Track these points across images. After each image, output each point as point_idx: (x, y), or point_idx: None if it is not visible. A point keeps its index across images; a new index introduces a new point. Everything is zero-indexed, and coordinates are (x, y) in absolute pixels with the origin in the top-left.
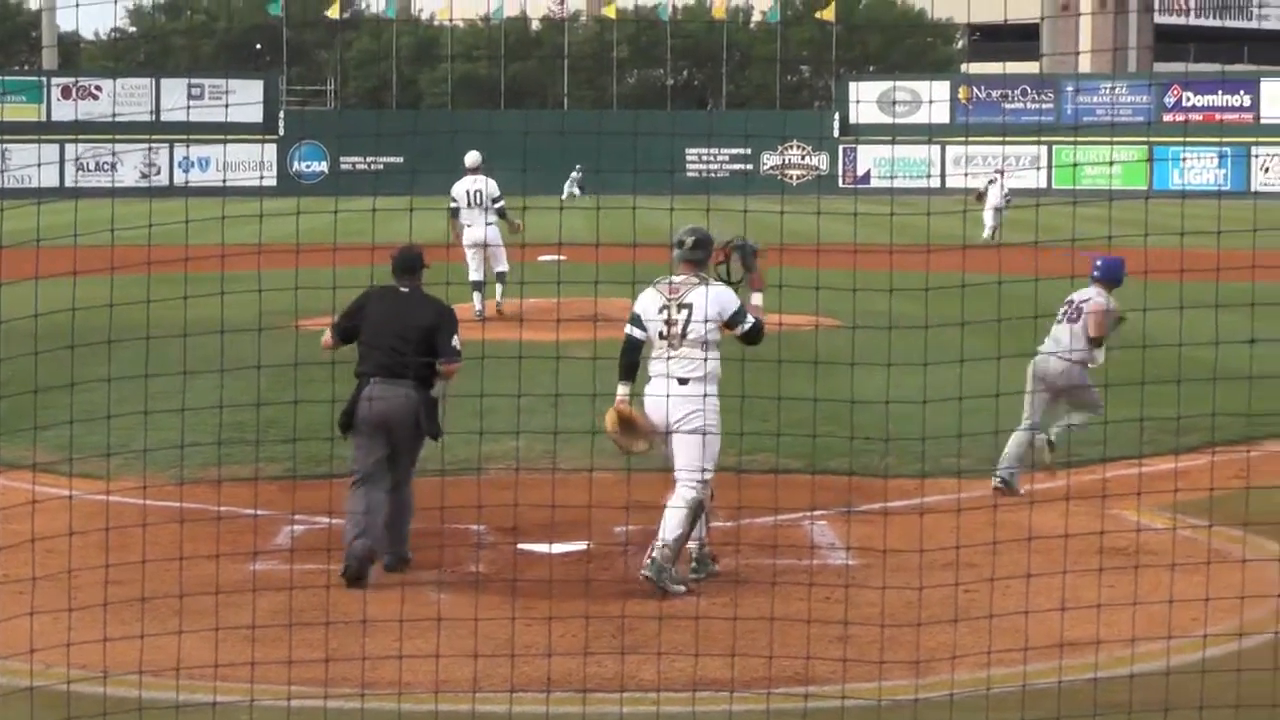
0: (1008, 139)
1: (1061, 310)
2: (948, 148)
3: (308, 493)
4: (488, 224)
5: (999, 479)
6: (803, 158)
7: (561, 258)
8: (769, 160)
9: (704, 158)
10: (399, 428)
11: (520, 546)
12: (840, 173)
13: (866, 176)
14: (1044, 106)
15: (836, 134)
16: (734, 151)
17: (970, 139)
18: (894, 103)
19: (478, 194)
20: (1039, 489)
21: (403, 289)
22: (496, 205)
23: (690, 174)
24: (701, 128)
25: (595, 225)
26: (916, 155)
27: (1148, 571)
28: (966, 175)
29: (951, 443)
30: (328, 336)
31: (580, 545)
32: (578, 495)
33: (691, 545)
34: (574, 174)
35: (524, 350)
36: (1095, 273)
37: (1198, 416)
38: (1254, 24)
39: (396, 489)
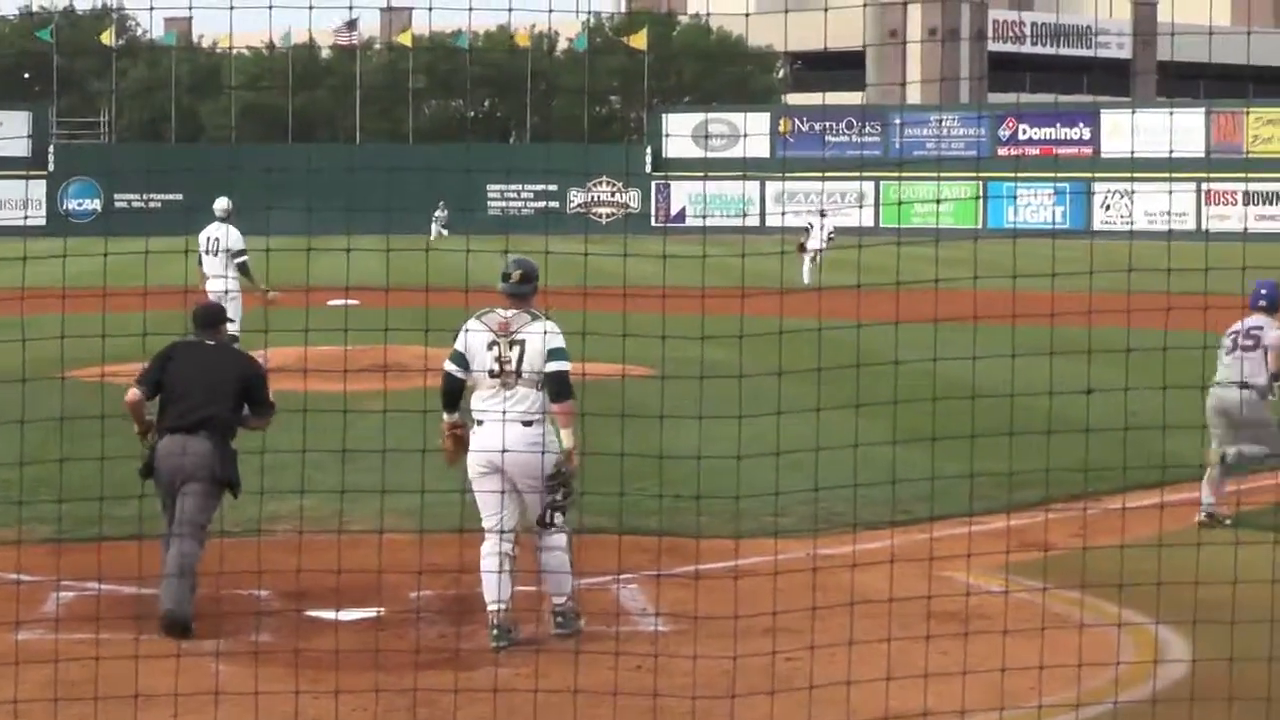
0: (828, 175)
1: (1228, 339)
2: (767, 184)
3: (76, 556)
4: (226, 275)
5: (1203, 513)
6: (612, 194)
7: (352, 302)
8: (576, 197)
9: (506, 194)
10: (196, 482)
11: (306, 613)
12: (653, 210)
13: (681, 215)
14: (869, 140)
15: (649, 169)
16: (538, 188)
17: (789, 175)
18: (709, 136)
19: (215, 242)
20: (862, 549)
21: (208, 342)
22: (237, 259)
23: (492, 211)
24: (503, 162)
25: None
26: (733, 192)
27: (979, 637)
28: (784, 214)
29: (769, 500)
30: (133, 392)
31: (370, 612)
32: (367, 558)
33: (557, 600)
34: (438, 212)
35: (309, 403)
36: (1262, 300)
37: (1031, 472)
38: (1093, 52)
39: (181, 539)
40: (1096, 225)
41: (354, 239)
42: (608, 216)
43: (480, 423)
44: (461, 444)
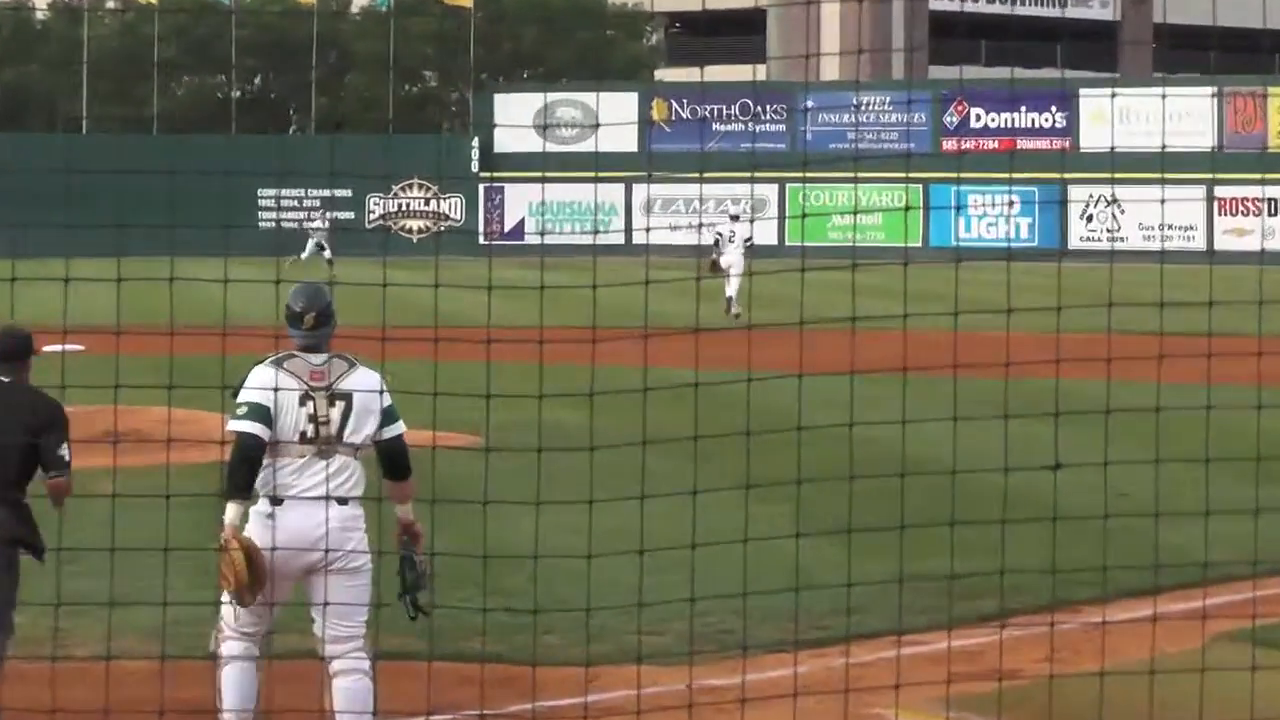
0: (716, 176)
1: None
2: (634, 188)
3: None
4: None
5: None
6: (426, 202)
7: (73, 347)
8: (377, 206)
9: (283, 202)
10: None
11: None
12: (480, 223)
13: (518, 229)
14: (770, 130)
15: (475, 168)
16: (325, 193)
17: (663, 176)
18: (556, 124)
19: None
20: (756, 679)
21: (1, 378)
22: None
23: (264, 224)
24: (279, 160)
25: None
26: (587, 198)
27: None
28: (649, 229)
29: (632, 614)
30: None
31: None
32: (93, 695)
33: None
34: (316, 224)
35: None
36: None
37: (982, 575)
38: (1068, 12)
39: None
40: (1074, 242)
41: (74, 264)
42: (419, 232)
43: (279, 502)
44: (255, 567)
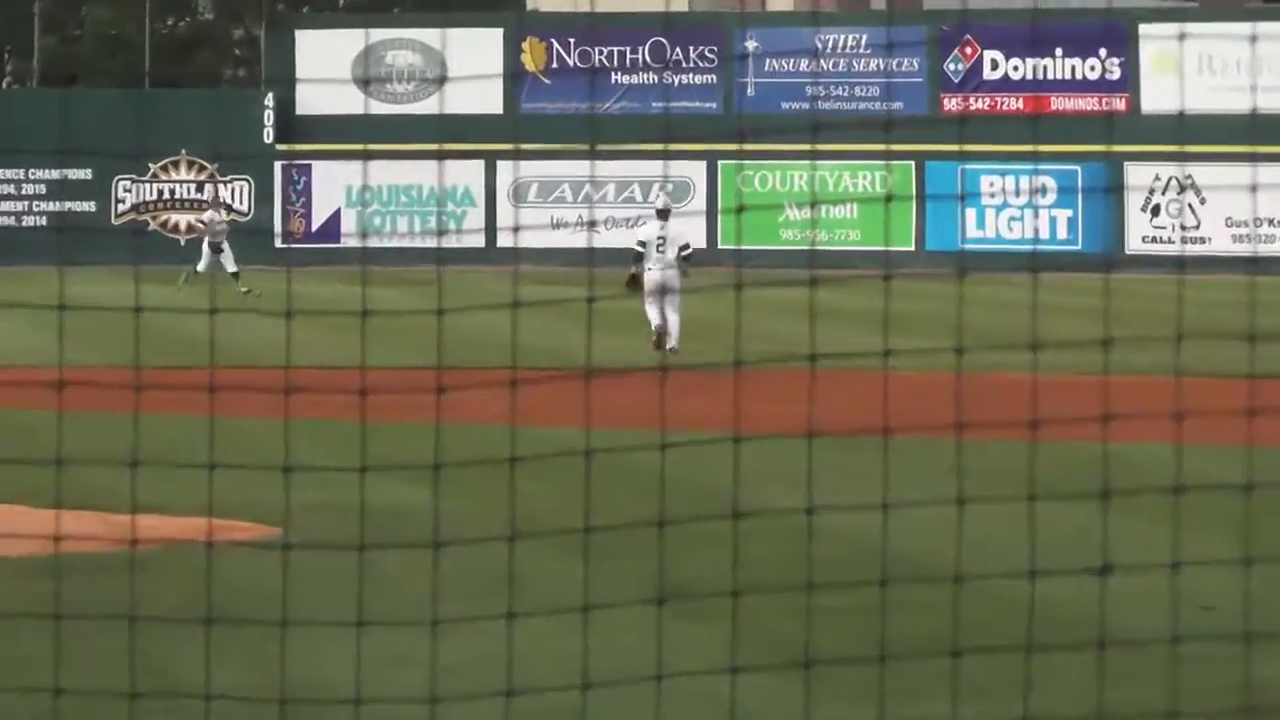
0: (611, 148)
1: None
2: (498, 166)
3: None
4: None
5: None
6: (198, 188)
7: None
8: (128, 194)
9: None
10: None
11: None
12: (279, 218)
13: (332, 226)
14: (695, 83)
15: (270, 138)
16: (52, 176)
17: (536, 147)
18: (384, 75)
19: None
20: None
21: None
22: None
23: None
24: None
25: None
26: (429, 180)
27: None
28: (518, 229)
29: None
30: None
31: None
32: None
33: None
34: (209, 216)
35: None
36: None
37: None
38: None
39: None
40: (1134, 245)
41: None
42: (189, 230)
43: None
44: None
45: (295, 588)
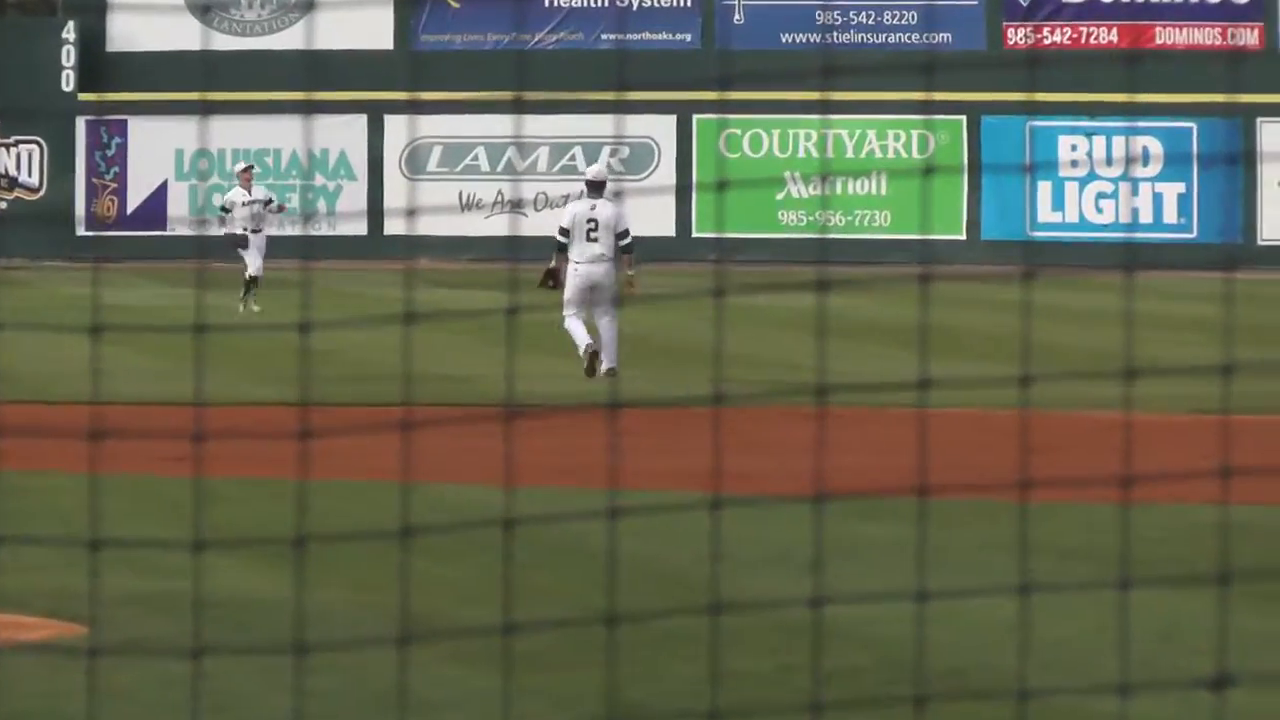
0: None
1: None
2: (387, 121)
3: None
4: None
5: None
6: None
7: None
8: None
9: None
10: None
11: None
12: (81, 194)
13: (155, 205)
14: (663, 7)
15: (70, 85)
16: None
17: (435, 101)
18: (223, 2)
19: None
20: None
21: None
22: None
23: None
24: None
25: None
26: (291, 144)
27: None
28: (413, 211)
29: None
30: None
31: None
32: None
33: None
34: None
35: None
36: None
37: None
38: None
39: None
40: (1270, 233)
41: None
42: None
43: None
44: None
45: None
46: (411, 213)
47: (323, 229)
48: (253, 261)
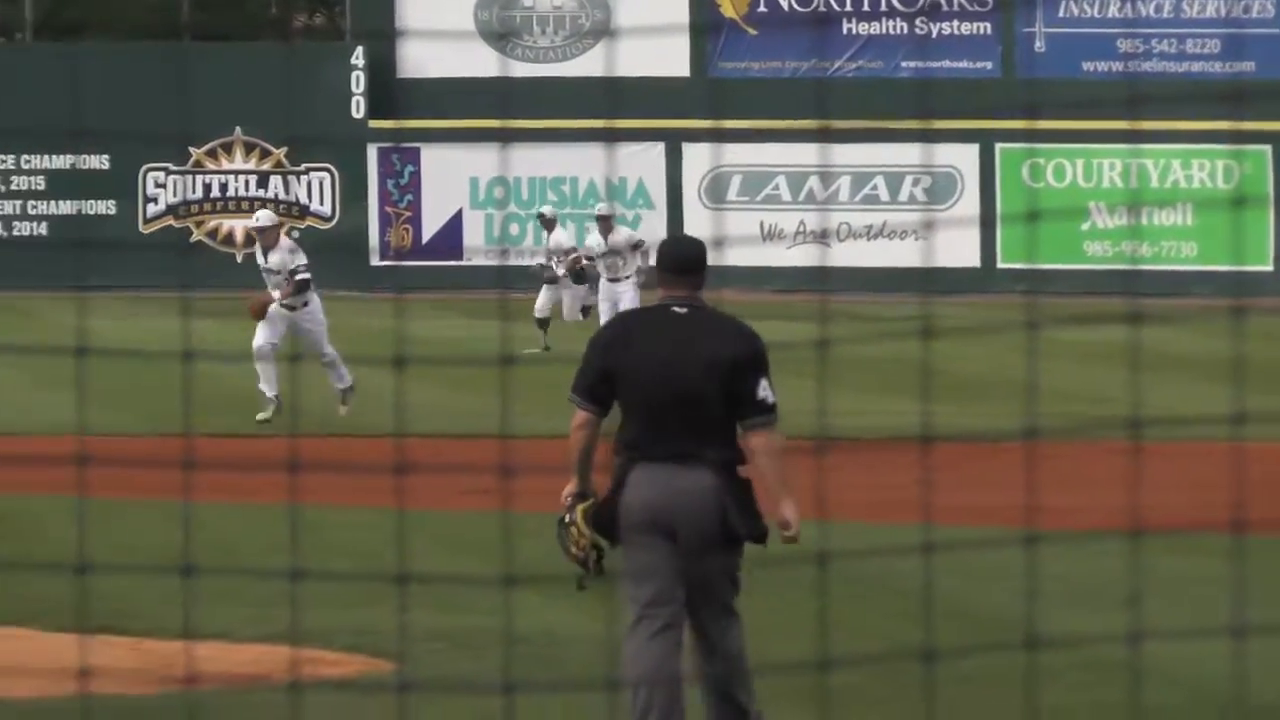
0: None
1: None
2: (685, 150)
3: None
4: None
5: None
6: (261, 182)
7: None
8: (161, 191)
9: None
10: (690, 534)
11: None
12: (375, 225)
13: (451, 235)
14: (961, 33)
15: (361, 112)
16: (60, 162)
17: (736, 130)
18: (519, 27)
19: None
20: None
21: (676, 308)
22: None
23: None
24: None
25: None
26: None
27: None
28: (723, 243)
29: None
30: (579, 415)
31: None
32: None
33: None
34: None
35: None
36: None
37: None
38: None
39: (702, 634)
40: None
41: None
42: (249, 244)
43: None
44: None
45: None
46: (719, 244)
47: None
48: (552, 303)
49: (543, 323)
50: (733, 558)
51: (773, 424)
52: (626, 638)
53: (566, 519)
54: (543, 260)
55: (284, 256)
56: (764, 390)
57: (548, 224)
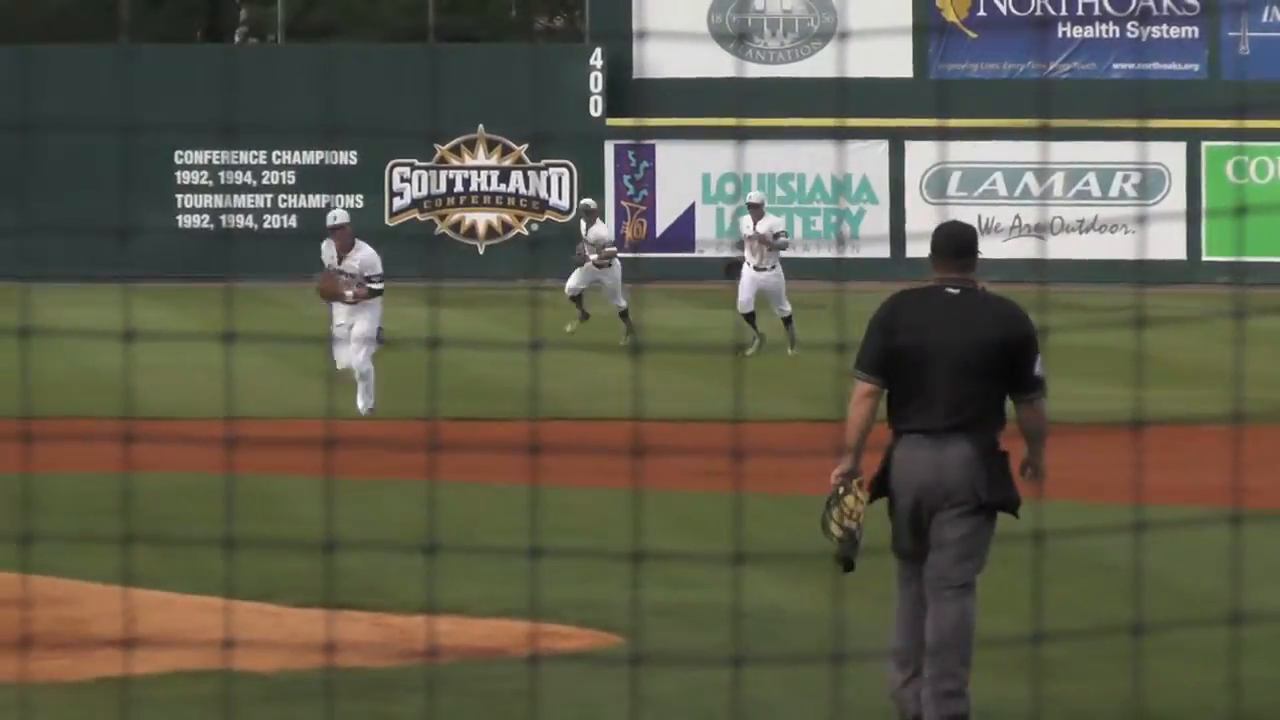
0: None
1: None
2: (908, 147)
3: None
4: None
5: None
6: (503, 178)
7: None
8: (407, 185)
9: (225, 177)
10: (943, 501)
11: None
12: (612, 217)
13: (684, 227)
14: (1174, 36)
15: (598, 110)
16: (311, 157)
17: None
18: (751, 29)
19: None
20: None
21: (950, 289)
22: None
23: (188, 219)
24: (211, 98)
25: None
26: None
27: None
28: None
29: None
30: (864, 386)
31: None
32: None
33: None
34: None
35: None
36: None
37: None
38: None
39: (939, 597)
40: None
41: None
42: (490, 235)
43: None
44: None
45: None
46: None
47: (848, 251)
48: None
49: (576, 299)
50: (987, 528)
51: (1043, 397)
52: (895, 599)
53: (840, 491)
54: (584, 250)
55: (365, 259)
56: (1038, 367)
57: (590, 216)
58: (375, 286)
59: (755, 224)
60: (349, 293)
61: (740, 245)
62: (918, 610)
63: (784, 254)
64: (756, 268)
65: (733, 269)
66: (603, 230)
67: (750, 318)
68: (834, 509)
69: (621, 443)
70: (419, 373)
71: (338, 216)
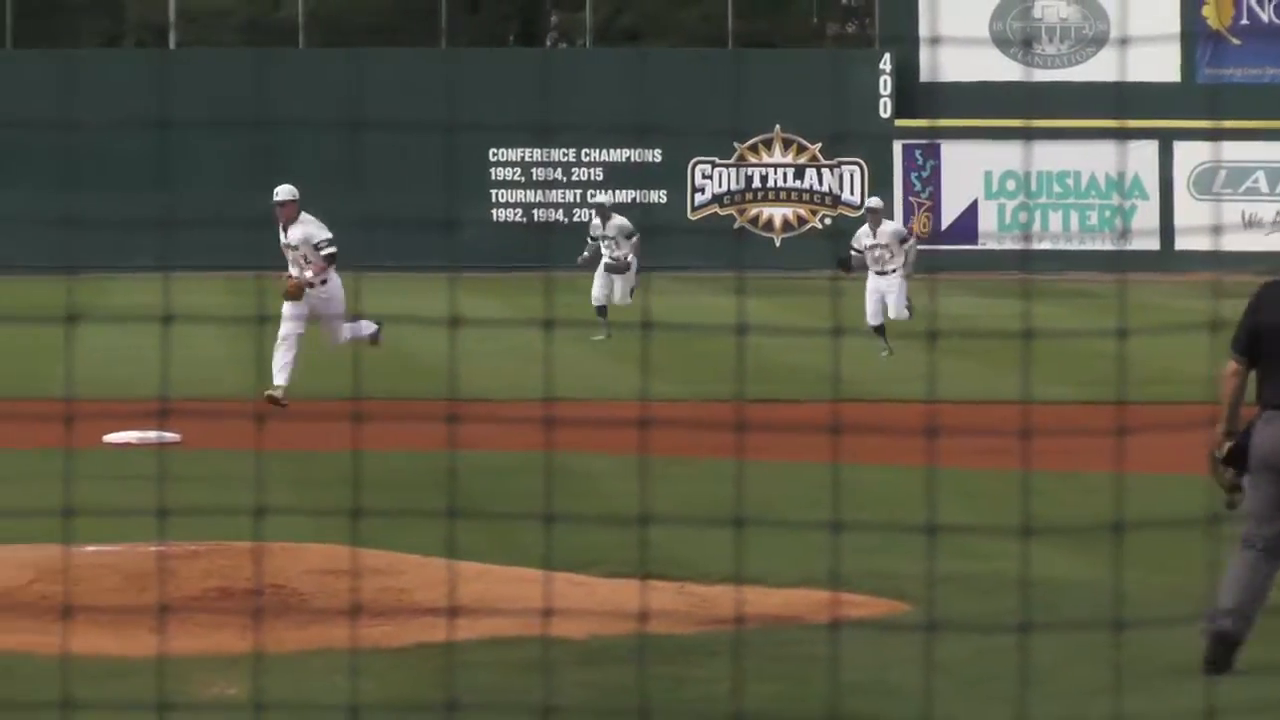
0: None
1: None
2: (1175, 147)
3: None
4: None
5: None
6: (798, 174)
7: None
8: (708, 182)
9: (538, 173)
10: None
11: None
12: (900, 210)
13: (968, 221)
14: None
15: (887, 112)
16: (618, 155)
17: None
18: (1036, 34)
19: None
20: None
21: None
22: None
23: (503, 213)
24: (524, 98)
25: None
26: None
27: None
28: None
29: None
30: (1230, 364)
31: None
32: None
33: None
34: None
35: None
36: None
37: None
38: None
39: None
40: None
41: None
42: (786, 228)
43: None
44: None
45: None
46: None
47: (1122, 245)
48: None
49: (601, 310)
50: None
51: None
52: (1232, 555)
53: (1217, 454)
54: (601, 248)
55: (308, 230)
56: None
57: (605, 214)
58: (328, 251)
59: (875, 231)
60: (309, 274)
61: (850, 256)
62: (1255, 574)
63: (1058, 246)
64: (879, 273)
65: (843, 264)
66: (621, 220)
67: (880, 330)
68: (1217, 463)
69: (918, 423)
70: (723, 357)
71: (280, 193)
